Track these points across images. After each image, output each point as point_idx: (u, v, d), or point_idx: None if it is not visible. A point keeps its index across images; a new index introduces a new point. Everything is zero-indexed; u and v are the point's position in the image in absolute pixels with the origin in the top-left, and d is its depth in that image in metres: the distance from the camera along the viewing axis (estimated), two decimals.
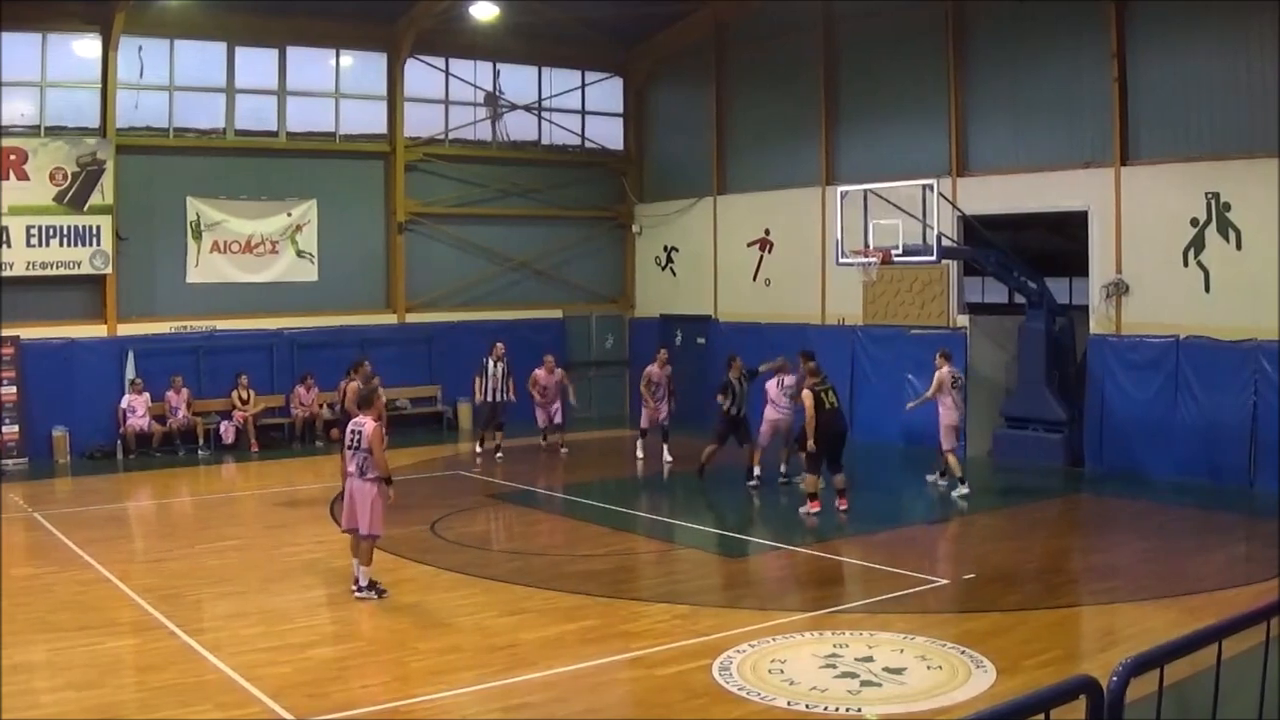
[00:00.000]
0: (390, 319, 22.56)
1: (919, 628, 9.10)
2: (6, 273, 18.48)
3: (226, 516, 14.98)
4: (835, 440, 13.90)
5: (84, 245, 19.21)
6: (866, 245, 16.61)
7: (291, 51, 21.32)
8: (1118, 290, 16.76)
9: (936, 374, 15.32)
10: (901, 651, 8.50)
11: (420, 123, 22.87)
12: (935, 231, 16.12)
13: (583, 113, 24.91)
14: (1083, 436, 17.09)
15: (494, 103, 23.75)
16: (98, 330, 19.54)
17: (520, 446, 18.98)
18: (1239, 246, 15.40)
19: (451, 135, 23.33)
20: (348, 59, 22.14)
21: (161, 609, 9.84)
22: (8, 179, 18.54)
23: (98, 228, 19.29)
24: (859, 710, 7.33)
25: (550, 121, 24.40)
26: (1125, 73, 16.65)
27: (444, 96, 23.18)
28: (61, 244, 19.02)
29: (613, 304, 25.16)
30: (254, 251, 21.06)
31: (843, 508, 13.81)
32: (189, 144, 20.59)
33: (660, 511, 15.61)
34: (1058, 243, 18.97)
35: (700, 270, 23.54)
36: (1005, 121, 18.38)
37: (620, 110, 25.28)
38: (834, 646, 8.62)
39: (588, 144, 24.93)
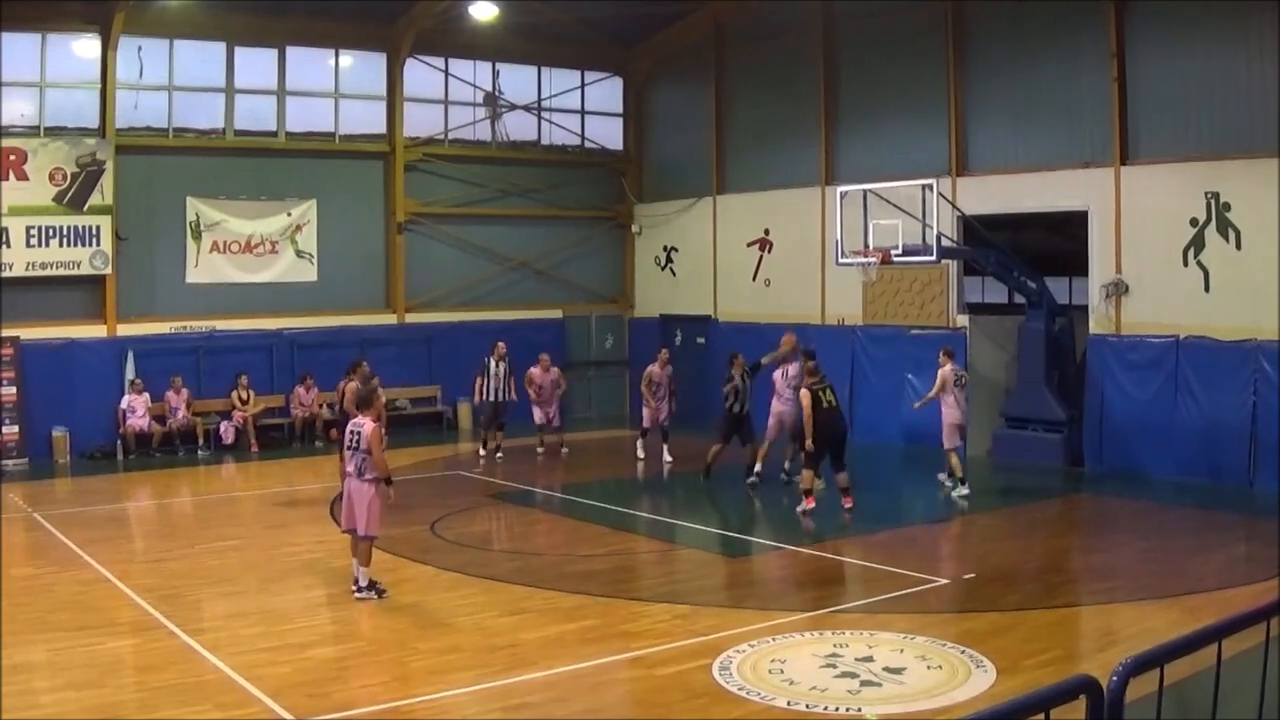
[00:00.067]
0: (390, 319, 22.56)
1: (919, 627, 9.10)
2: (6, 273, 18.48)
3: (226, 516, 14.98)
4: (835, 439, 13.92)
5: (84, 245, 19.21)
6: (866, 245, 16.60)
7: (291, 51, 21.32)
8: (1117, 290, 16.76)
9: (940, 372, 15.30)
10: (901, 651, 8.50)
11: (420, 123, 22.87)
12: (935, 231, 16.12)
13: (582, 113, 24.91)
14: (1082, 436, 17.09)
15: (493, 103, 23.75)
16: (98, 330, 19.54)
17: (520, 446, 18.97)
18: (1239, 246, 15.40)
19: (451, 135, 23.33)
20: (347, 59, 22.13)
21: (161, 609, 9.84)
22: (7, 179, 18.54)
23: (97, 228, 19.29)
24: (859, 710, 7.33)
25: (550, 121, 24.40)
26: (1125, 72, 16.65)
27: (443, 96, 23.18)
28: (61, 244, 19.02)
29: (612, 304, 25.16)
30: (254, 251, 21.06)
31: (847, 506, 13.83)
32: (189, 144, 20.59)
33: (660, 511, 15.61)
34: (1057, 243, 18.97)
35: (700, 270, 23.54)
36: (1005, 121, 18.38)
37: (620, 110, 25.28)
38: (834, 646, 8.62)
39: (587, 144, 24.93)
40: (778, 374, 15.97)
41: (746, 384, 16.07)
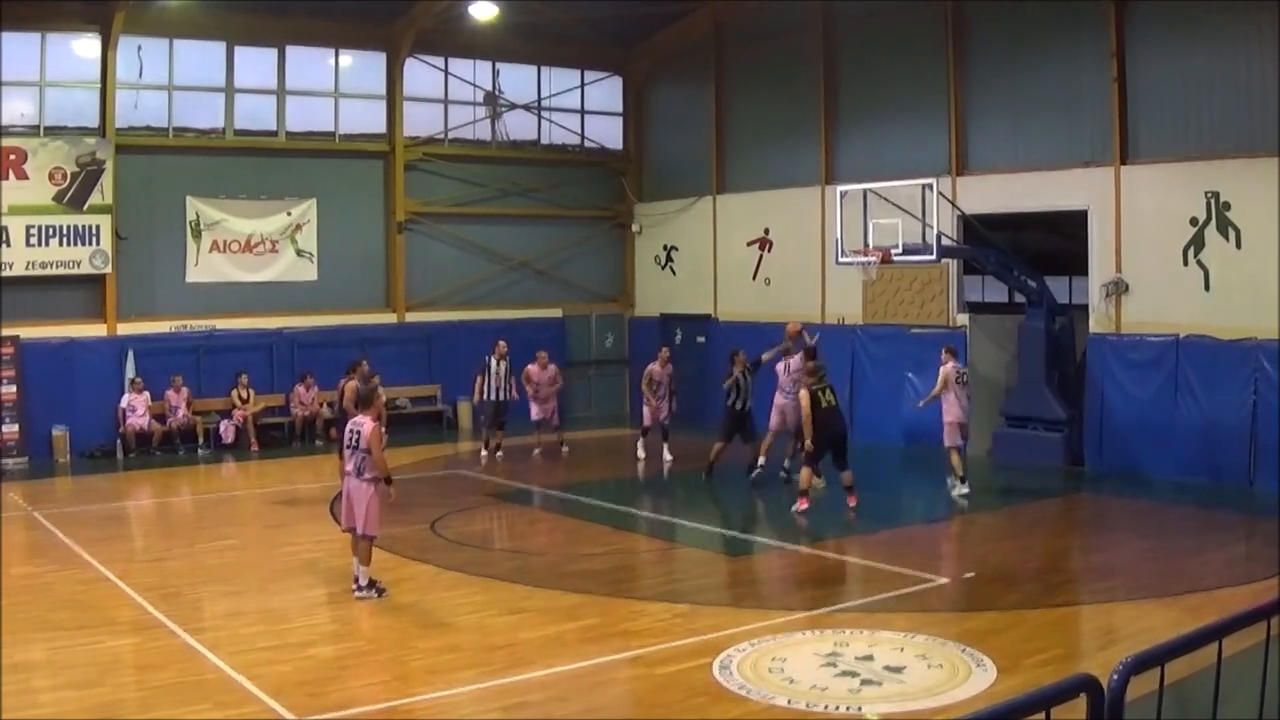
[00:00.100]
0: (390, 318, 22.56)
1: (919, 626, 9.09)
2: (6, 272, 18.47)
3: (226, 516, 14.99)
4: (835, 440, 13.92)
5: (84, 245, 19.21)
6: (866, 245, 16.60)
7: (291, 51, 21.32)
8: (1117, 289, 16.75)
9: (942, 370, 15.27)
10: (902, 650, 8.50)
11: (420, 122, 22.86)
12: (935, 231, 16.12)
13: (582, 112, 24.90)
14: (1082, 436, 17.09)
15: (493, 102, 23.74)
16: (98, 330, 19.54)
17: (520, 446, 18.95)
18: (1239, 246, 15.40)
19: (451, 135, 23.32)
20: (347, 59, 22.13)
21: (161, 608, 9.84)
22: (7, 179, 18.53)
23: (97, 227, 19.29)
24: (859, 709, 7.33)
25: (550, 121, 24.40)
26: (1125, 72, 16.64)
27: (443, 96, 23.17)
28: (61, 244, 19.02)
29: (613, 303, 25.16)
30: (254, 251, 21.06)
31: (851, 504, 13.83)
32: (188, 144, 20.59)
33: (661, 510, 15.61)
34: (1057, 242, 18.97)
35: (700, 269, 23.54)
36: (1005, 121, 18.38)
37: (620, 110, 25.28)
38: (834, 645, 8.62)
39: (587, 143, 24.93)
40: (780, 366, 16.00)
41: (748, 381, 16.08)
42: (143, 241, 19.92)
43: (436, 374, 22.45)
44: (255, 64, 21.06)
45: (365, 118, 22.26)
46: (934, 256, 16.44)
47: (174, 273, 20.38)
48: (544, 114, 24.32)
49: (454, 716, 7.48)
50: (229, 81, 20.84)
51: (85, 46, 19.35)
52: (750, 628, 9.16)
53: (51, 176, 18.88)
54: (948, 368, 15.25)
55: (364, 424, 10.15)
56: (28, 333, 18.62)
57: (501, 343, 18.85)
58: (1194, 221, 15.82)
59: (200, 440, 19.80)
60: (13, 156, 18.61)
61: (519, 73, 23.93)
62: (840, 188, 17.85)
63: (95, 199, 19.21)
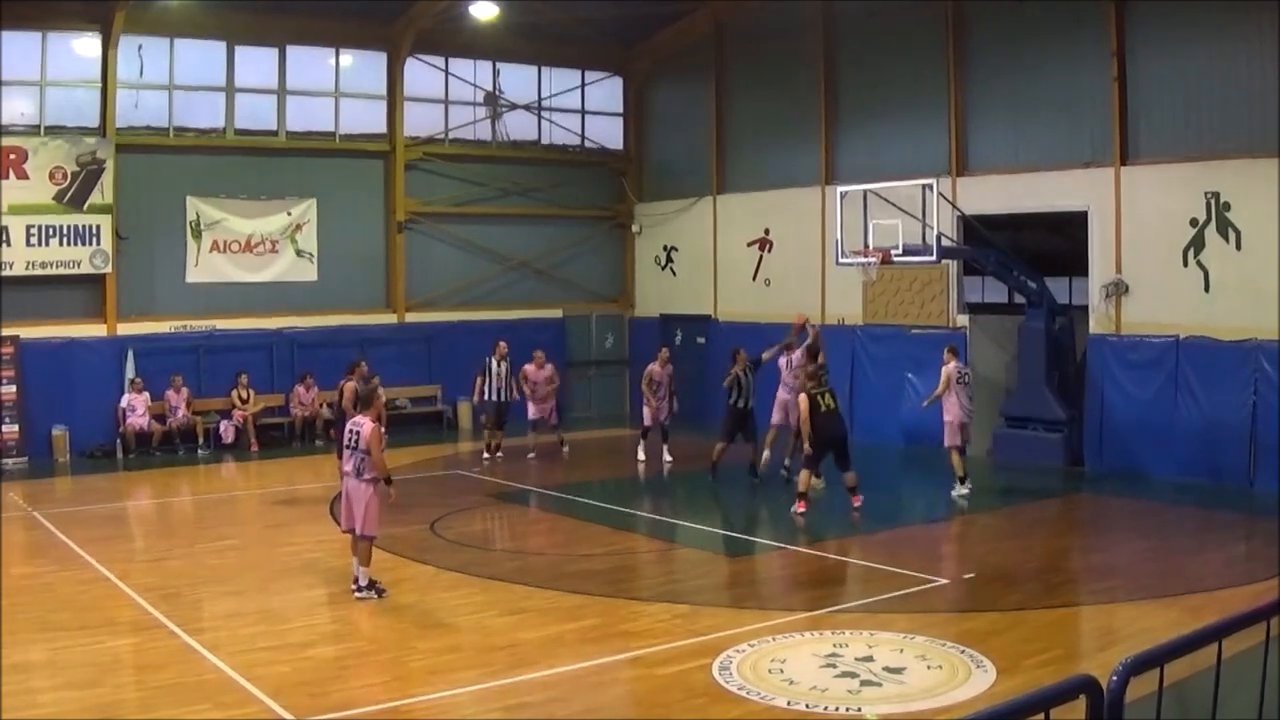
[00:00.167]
0: (390, 318, 22.56)
1: (919, 627, 9.09)
2: (6, 272, 18.47)
3: (226, 516, 14.99)
4: (834, 443, 13.91)
5: (84, 245, 19.21)
6: (866, 245, 16.60)
7: (291, 51, 21.32)
8: (1117, 290, 16.75)
9: (944, 370, 15.25)
10: (901, 651, 8.50)
11: (420, 122, 22.86)
12: (935, 231, 16.12)
13: (582, 112, 24.90)
14: (1082, 436, 17.09)
15: (494, 102, 23.74)
16: (98, 330, 19.54)
17: (520, 446, 18.94)
18: (1239, 246, 15.40)
19: (451, 135, 23.32)
20: (347, 58, 22.13)
21: (161, 608, 9.84)
22: (8, 178, 18.53)
23: (97, 227, 19.28)
24: (859, 710, 7.33)
25: (550, 121, 24.40)
26: (1125, 72, 16.64)
27: (444, 96, 23.17)
28: (61, 243, 19.02)
29: (613, 303, 25.16)
30: (254, 251, 21.06)
31: (856, 504, 13.82)
32: (189, 143, 20.59)
33: (661, 511, 15.61)
34: (1057, 243, 18.95)
35: (700, 270, 23.54)
36: (1005, 121, 18.37)
37: (620, 110, 25.28)
38: (834, 646, 8.62)
39: (587, 143, 24.93)
40: (782, 362, 16.03)
41: (749, 379, 16.08)
42: (143, 241, 19.92)
43: (436, 374, 22.45)
44: (255, 64, 21.05)
45: (365, 117, 22.26)
46: (934, 257, 16.44)
47: (174, 272, 20.38)
48: (544, 114, 24.32)
49: (454, 717, 7.48)
50: (229, 81, 20.84)
51: (86, 46, 19.35)
52: (750, 628, 9.16)
53: (52, 176, 18.89)
54: (950, 367, 15.22)
55: (363, 424, 10.14)
56: (28, 332, 18.62)
57: (502, 343, 18.84)
58: (1194, 222, 15.82)
59: (200, 440, 19.80)
60: (13, 156, 18.61)
61: (519, 73, 23.93)
62: (840, 188, 17.86)
63: (95, 198, 19.21)
